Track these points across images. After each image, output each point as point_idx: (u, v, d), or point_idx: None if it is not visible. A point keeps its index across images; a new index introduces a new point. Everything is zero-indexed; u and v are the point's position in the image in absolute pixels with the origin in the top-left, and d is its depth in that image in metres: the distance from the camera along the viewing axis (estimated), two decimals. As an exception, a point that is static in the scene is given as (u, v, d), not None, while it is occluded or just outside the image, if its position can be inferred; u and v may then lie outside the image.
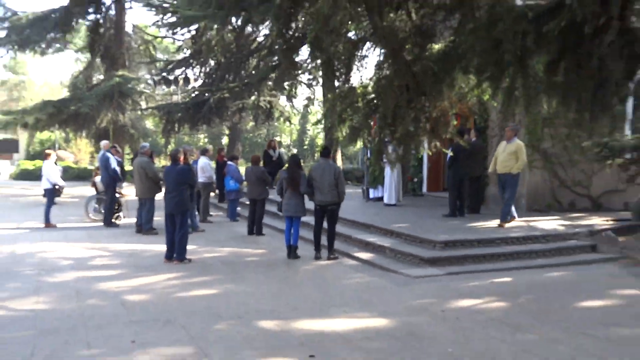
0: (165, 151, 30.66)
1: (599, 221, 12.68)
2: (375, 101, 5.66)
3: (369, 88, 5.87)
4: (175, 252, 10.34)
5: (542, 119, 14.48)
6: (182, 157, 10.63)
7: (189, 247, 11.64)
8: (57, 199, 15.68)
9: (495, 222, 12.21)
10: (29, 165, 34.67)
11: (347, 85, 5.81)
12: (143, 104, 27.02)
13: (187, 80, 24.98)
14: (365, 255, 10.89)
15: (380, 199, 16.37)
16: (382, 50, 5.39)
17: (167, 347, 5.88)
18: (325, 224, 10.88)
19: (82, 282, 8.81)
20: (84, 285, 8.56)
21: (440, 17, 4.98)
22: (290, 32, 5.76)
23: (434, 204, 16.08)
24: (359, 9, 4.92)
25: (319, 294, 8.22)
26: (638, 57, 4.68)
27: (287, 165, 11.39)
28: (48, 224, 14.69)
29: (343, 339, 6.14)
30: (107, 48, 27.21)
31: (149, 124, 34.55)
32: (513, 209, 12.17)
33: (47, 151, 15.78)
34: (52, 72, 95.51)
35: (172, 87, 25.71)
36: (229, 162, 16.43)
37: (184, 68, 25.16)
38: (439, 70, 5.24)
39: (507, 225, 11.94)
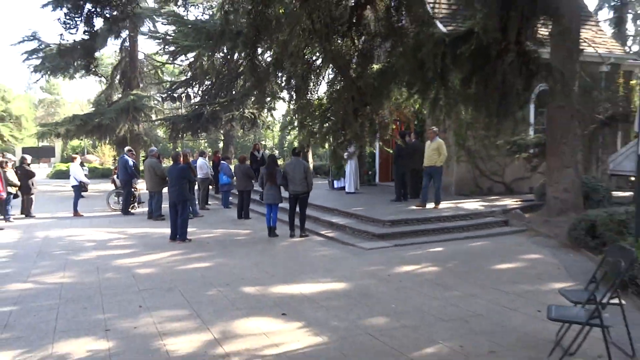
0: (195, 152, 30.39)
1: (510, 202, 12.78)
2: (328, 111, 5.57)
3: (324, 100, 5.77)
4: (178, 234, 10.14)
5: (465, 124, 14.53)
6: (181, 158, 10.42)
7: (189, 229, 11.42)
8: (84, 194, 15.30)
9: (431, 205, 12.22)
10: (63, 166, 33.87)
11: (305, 99, 5.68)
12: (153, 117, 26.47)
13: (188, 97, 24.53)
14: (330, 233, 10.81)
15: (343, 188, 16.33)
16: (332, 70, 5.30)
17: (168, 310, 5.71)
18: (298, 209, 10.78)
19: (102, 259, 8.56)
20: (103, 262, 8.31)
21: (377, 42, 4.88)
22: (258, 62, 5.59)
23: (384, 191, 16.02)
24: (312, 37, 4.81)
25: (292, 264, 8.10)
26: (533, 74, 4.65)
27: (267, 163, 11.23)
28: (76, 213, 14.29)
29: (309, 300, 6.03)
30: (124, 72, 26.68)
31: (160, 132, 34.00)
32: (439, 194, 12.17)
33: (74, 155, 15.42)
34: (81, 92, 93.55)
35: (177, 103, 25.25)
36: (222, 162, 16.28)
37: (185, 87, 24.82)
38: (378, 86, 5.17)
39: (440, 206, 11.89)
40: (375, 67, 5.31)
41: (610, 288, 3.99)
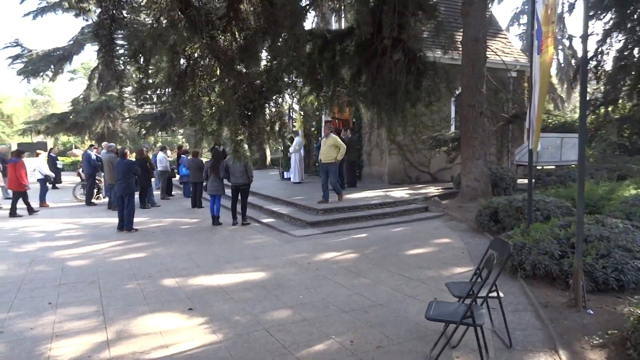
0: (154, 147, 28.54)
1: (433, 190, 12.33)
2: (220, 109, 4.82)
3: (214, 98, 4.99)
4: (125, 224, 9.19)
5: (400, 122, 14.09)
6: (128, 153, 9.45)
7: (142, 219, 10.56)
8: (58, 185, 14.09)
9: (364, 194, 11.67)
10: (68, 159, 31.82)
11: (185, 97, 4.86)
12: (126, 114, 24.97)
13: (159, 96, 23.17)
14: (269, 221, 10.07)
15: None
16: (217, 65, 4.54)
17: (77, 306, 4.86)
18: (240, 199, 10.00)
19: (42, 251, 7.58)
20: (41, 254, 7.35)
21: (259, 37, 4.16)
22: (114, 56, 4.71)
23: (327, 181, 15.38)
24: (191, 31, 4.04)
25: (223, 252, 7.32)
26: (422, 72, 4.02)
27: (211, 156, 10.35)
28: (43, 203, 13.08)
29: (223, 292, 5.29)
30: (102, 75, 25.03)
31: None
32: (337, 188, 10.64)
33: (38, 151, 14.08)
34: (72, 94, 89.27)
35: (147, 103, 23.85)
36: (182, 155, 15.27)
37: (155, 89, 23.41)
38: (267, 83, 4.47)
39: (343, 198, 10.62)
40: (264, 63, 4.60)
41: (484, 283, 3.41)
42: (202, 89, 4.86)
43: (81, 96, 26.15)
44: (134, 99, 26.67)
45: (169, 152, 16.21)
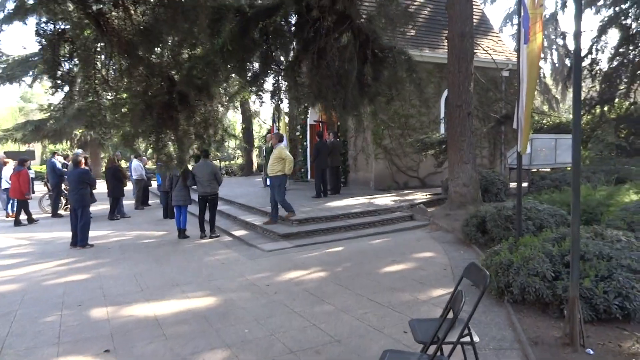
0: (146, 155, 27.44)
1: (421, 196, 11.55)
2: (144, 110, 4.03)
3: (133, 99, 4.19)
4: (79, 240, 8.36)
5: (382, 123, 13.35)
6: (82, 162, 8.61)
7: (104, 232, 9.74)
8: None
9: (347, 201, 10.90)
10: (38, 168, 30.93)
11: (93, 96, 4.07)
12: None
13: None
14: (240, 233, 9.25)
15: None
16: (114, 51, 3.75)
17: (-28, 349, 4.04)
18: (208, 210, 9.21)
19: (-27, 273, 6.74)
20: (-30, 278, 6.51)
21: (160, 14, 3.37)
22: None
23: (311, 188, 14.54)
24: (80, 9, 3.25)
25: (175, 273, 6.49)
26: (380, 60, 3.24)
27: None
28: (9, 214, 12.25)
29: (156, 325, 4.46)
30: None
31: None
32: (286, 204, 9.08)
33: (5, 160, 13.19)
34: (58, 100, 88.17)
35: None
36: (159, 163, 14.43)
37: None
38: (185, 79, 3.70)
39: (289, 218, 8.98)
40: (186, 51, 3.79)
41: (452, 325, 2.61)
42: (100, 82, 4.06)
43: (61, 103, 25.28)
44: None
45: (144, 159, 15.36)
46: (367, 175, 13.98)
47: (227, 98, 4.49)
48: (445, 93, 13.95)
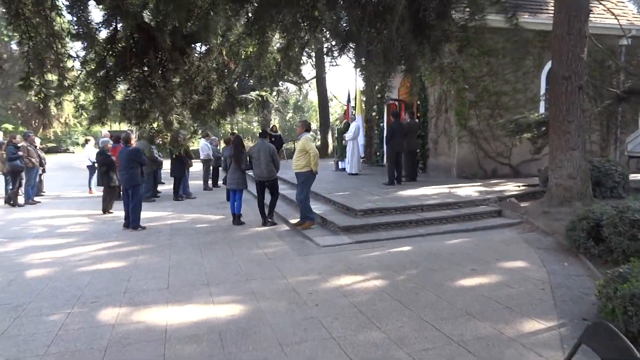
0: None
1: (512, 187, 9.80)
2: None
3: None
4: (130, 221, 7.99)
5: (468, 102, 11.63)
6: (133, 140, 8.20)
7: (164, 213, 9.38)
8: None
9: (422, 190, 9.54)
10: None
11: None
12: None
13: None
14: (297, 221, 8.33)
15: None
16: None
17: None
18: (271, 195, 8.45)
19: (17, 252, 6.52)
20: (11, 257, 6.27)
21: None
22: None
23: (385, 173, 13.27)
24: None
25: (213, 267, 5.70)
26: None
27: (232, 144, 8.75)
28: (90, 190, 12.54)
29: (159, 341, 3.63)
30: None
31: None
32: (306, 208, 7.86)
33: (87, 138, 13.54)
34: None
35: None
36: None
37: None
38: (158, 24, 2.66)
39: (305, 229, 7.61)
40: None
41: None
42: (51, 34, 3.14)
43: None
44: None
45: (215, 139, 14.99)
46: (449, 160, 12.34)
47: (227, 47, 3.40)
48: (547, 66, 11.82)
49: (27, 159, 10.78)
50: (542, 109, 11.58)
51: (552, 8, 8.28)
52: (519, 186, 9.95)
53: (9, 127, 25.19)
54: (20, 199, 10.95)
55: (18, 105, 31.66)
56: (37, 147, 11.64)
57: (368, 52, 2.34)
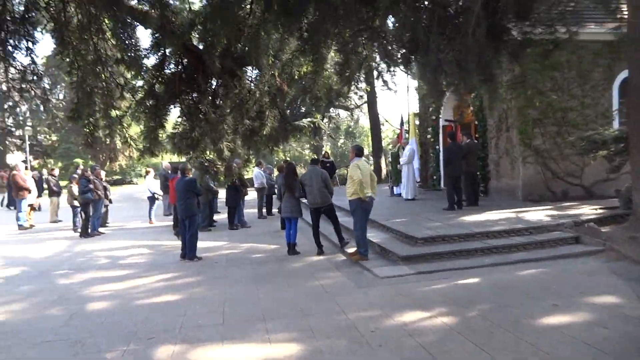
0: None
1: (588, 210, 8.94)
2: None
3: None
4: (187, 252, 8.02)
5: (532, 120, 10.94)
6: (189, 171, 8.30)
7: (219, 243, 9.37)
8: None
9: (486, 215, 8.94)
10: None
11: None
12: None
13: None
14: (353, 250, 7.97)
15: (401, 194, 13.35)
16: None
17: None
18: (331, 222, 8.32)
19: (82, 284, 6.66)
20: (76, 288, 6.40)
21: None
22: None
23: (443, 198, 12.69)
24: None
25: (270, 301, 5.47)
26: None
27: (285, 172, 8.65)
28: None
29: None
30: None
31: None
32: (362, 240, 7.36)
33: (148, 169, 14.07)
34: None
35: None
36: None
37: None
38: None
39: (361, 260, 7.20)
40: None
41: None
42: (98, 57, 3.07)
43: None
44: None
45: (270, 167, 15.11)
46: (513, 182, 11.57)
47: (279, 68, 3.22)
48: (621, 77, 10.94)
49: (95, 192, 11.30)
50: (616, 124, 10.67)
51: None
52: (595, 209, 9.07)
53: (80, 161, 26.88)
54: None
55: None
56: (103, 180, 12.23)
57: (439, 61, 2.10)
